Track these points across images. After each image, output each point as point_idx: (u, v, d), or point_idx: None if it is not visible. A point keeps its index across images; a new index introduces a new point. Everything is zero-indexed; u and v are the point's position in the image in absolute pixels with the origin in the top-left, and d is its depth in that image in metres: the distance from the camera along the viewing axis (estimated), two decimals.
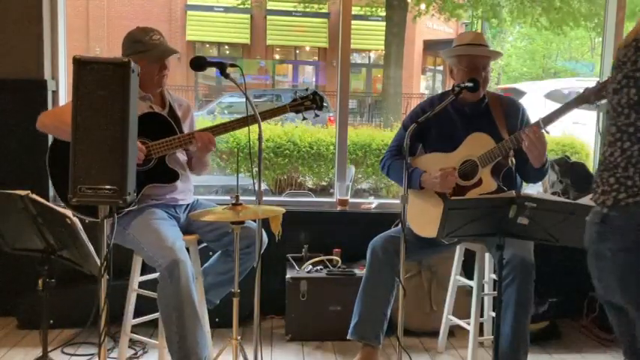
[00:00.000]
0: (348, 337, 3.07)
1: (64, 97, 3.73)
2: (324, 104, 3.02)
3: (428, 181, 2.97)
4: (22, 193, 2.25)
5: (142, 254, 2.75)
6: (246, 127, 2.69)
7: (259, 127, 2.53)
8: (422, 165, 3.05)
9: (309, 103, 2.96)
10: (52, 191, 3.62)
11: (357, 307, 3.08)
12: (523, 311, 2.77)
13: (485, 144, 2.89)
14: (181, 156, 2.98)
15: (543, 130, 2.74)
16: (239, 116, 2.87)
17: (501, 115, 2.99)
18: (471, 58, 2.95)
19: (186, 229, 2.94)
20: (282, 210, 2.53)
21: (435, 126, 3.01)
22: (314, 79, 19.92)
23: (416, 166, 3.06)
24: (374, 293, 3.04)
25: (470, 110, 3.02)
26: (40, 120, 2.82)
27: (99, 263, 2.22)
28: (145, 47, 2.84)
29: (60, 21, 3.69)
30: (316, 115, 3.00)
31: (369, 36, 17.08)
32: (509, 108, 3.04)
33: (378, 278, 3.03)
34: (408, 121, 3.09)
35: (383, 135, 7.13)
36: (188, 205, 3.03)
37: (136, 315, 2.94)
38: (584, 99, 2.70)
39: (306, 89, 3.01)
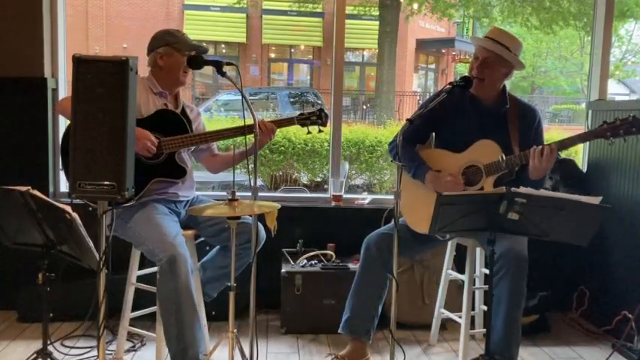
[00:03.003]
0: (339, 331, 3.11)
1: (64, 95, 3.75)
2: (326, 115, 3.09)
3: (434, 181, 2.96)
4: (23, 188, 2.27)
5: (143, 248, 2.80)
6: (242, 124, 2.76)
7: (255, 125, 2.60)
8: (427, 159, 3.06)
9: (315, 118, 3.06)
10: (51, 187, 3.68)
11: (349, 302, 3.11)
12: (516, 304, 2.81)
13: (493, 153, 2.91)
14: (186, 156, 3.04)
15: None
16: (235, 114, 2.94)
17: (516, 123, 3.00)
18: (475, 49, 3.02)
19: (186, 225, 2.99)
20: (277, 205, 2.59)
21: (450, 118, 3.03)
22: (309, 78, 19.97)
23: (423, 156, 3.08)
24: (366, 290, 3.07)
25: (488, 109, 3.04)
26: (59, 104, 2.87)
27: (98, 258, 2.27)
28: (177, 39, 2.94)
29: (59, 20, 3.72)
30: (320, 131, 3.08)
31: (362, 35, 17.12)
32: (525, 116, 3.04)
33: (370, 275, 3.05)
34: (423, 106, 3.11)
35: (376, 132, 7.21)
36: (188, 200, 3.08)
37: (135, 308, 2.99)
38: (601, 134, 2.73)
39: (313, 104, 3.07)
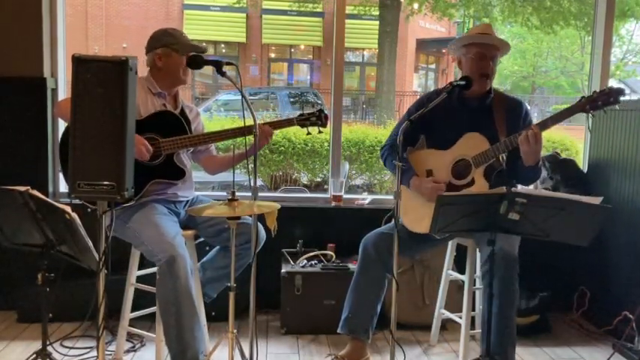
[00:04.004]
0: (338, 331, 3.11)
1: (63, 94, 3.76)
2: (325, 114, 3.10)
3: (418, 187, 3.01)
4: (22, 188, 2.26)
5: (142, 248, 2.79)
6: (242, 124, 2.76)
7: (255, 125, 2.59)
8: (418, 160, 3.08)
9: (314, 119, 3.07)
10: (51, 187, 3.68)
11: (347, 301, 3.11)
12: (508, 304, 2.80)
13: (480, 144, 2.93)
14: (185, 157, 3.03)
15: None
16: (235, 114, 2.93)
17: (502, 115, 3.01)
18: (480, 46, 2.98)
19: (185, 225, 2.98)
20: (277, 205, 2.58)
21: (438, 118, 3.02)
22: (309, 77, 19.98)
23: (413, 158, 3.10)
24: (365, 289, 3.07)
25: (474, 104, 3.05)
26: (58, 106, 2.86)
27: (97, 258, 2.26)
28: (176, 40, 2.92)
29: (59, 20, 3.71)
30: (320, 132, 3.09)
31: (362, 35, 17.12)
32: (512, 108, 3.05)
33: (369, 275, 3.06)
34: (412, 110, 3.12)
35: (376, 132, 7.22)
36: (188, 201, 3.08)
37: (134, 309, 2.99)
38: (580, 108, 2.75)
39: (313, 105, 3.08)
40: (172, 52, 2.91)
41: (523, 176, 2.96)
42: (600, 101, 2.72)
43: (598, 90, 2.75)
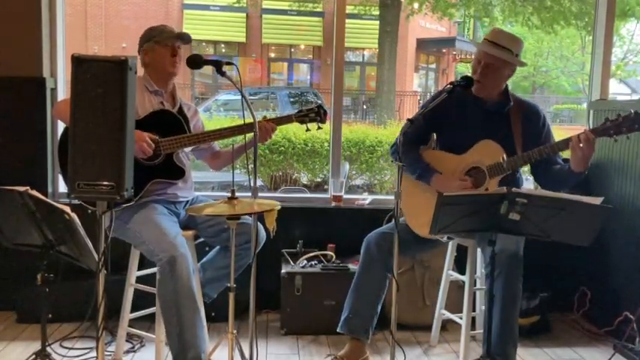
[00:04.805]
0: (337, 330, 3.10)
1: (63, 94, 3.75)
2: (326, 113, 3.09)
3: (441, 186, 2.91)
4: (21, 189, 2.27)
5: (143, 248, 2.78)
6: (242, 124, 2.75)
7: (255, 124, 2.59)
8: (429, 161, 3.06)
9: (313, 115, 3.06)
10: (50, 187, 3.67)
11: (348, 301, 3.11)
12: (511, 305, 2.79)
13: (496, 154, 2.89)
14: (184, 156, 3.03)
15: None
16: (235, 114, 2.92)
17: (519, 122, 2.98)
18: (477, 52, 2.99)
19: (185, 225, 2.98)
20: (277, 204, 2.56)
21: (452, 120, 3.01)
22: (309, 77, 19.99)
23: (423, 158, 3.08)
24: (366, 289, 3.07)
25: (492, 110, 3.02)
26: (56, 107, 2.86)
27: (97, 258, 2.26)
28: (158, 32, 2.94)
29: (58, 19, 3.71)
30: (319, 128, 3.08)
31: (363, 34, 17.14)
32: (529, 117, 3.02)
33: (370, 274, 3.05)
34: (424, 106, 3.10)
35: (377, 132, 7.20)
36: (188, 201, 3.07)
37: (134, 309, 2.99)
38: (604, 132, 2.69)
39: (312, 102, 3.07)
40: (155, 44, 2.93)
41: (564, 182, 2.91)
42: (625, 127, 2.65)
43: (622, 114, 2.67)
